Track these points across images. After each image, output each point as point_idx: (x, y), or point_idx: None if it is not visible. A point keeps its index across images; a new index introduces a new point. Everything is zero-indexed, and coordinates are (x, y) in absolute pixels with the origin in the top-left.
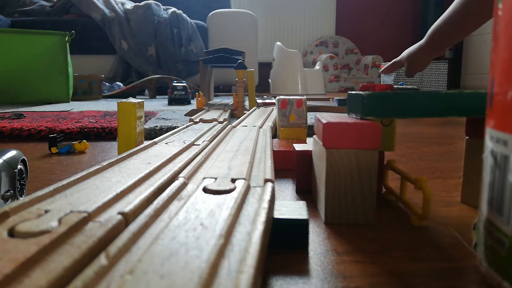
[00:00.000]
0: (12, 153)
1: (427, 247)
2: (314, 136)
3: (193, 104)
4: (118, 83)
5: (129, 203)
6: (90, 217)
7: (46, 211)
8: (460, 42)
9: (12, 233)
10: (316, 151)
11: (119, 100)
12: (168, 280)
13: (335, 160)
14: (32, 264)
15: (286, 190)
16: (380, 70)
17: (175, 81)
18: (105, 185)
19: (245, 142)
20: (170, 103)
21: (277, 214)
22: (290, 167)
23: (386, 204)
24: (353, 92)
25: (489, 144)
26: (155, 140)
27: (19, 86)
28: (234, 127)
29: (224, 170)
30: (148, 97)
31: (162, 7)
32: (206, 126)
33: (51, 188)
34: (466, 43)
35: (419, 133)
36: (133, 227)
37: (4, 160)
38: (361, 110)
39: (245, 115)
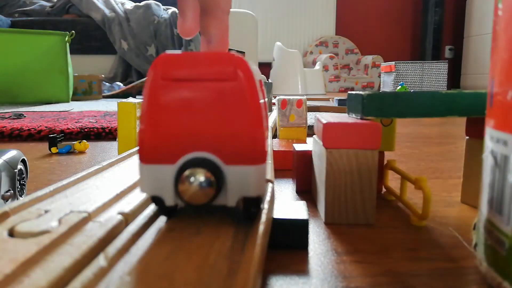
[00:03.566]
0: (12, 153)
1: (427, 247)
2: (314, 136)
3: None
4: (118, 83)
5: (129, 203)
6: (90, 217)
7: (46, 211)
8: (460, 42)
9: (12, 233)
10: (316, 151)
11: (119, 100)
12: (167, 281)
13: (335, 160)
14: (32, 264)
15: (286, 190)
16: None
17: None
18: (105, 185)
19: None
20: None
21: (277, 214)
22: (290, 167)
23: (386, 204)
24: (353, 92)
25: (489, 144)
26: None
27: (19, 86)
28: None
29: None
30: None
31: (162, 7)
32: None
33: (51, 188)
34: (466, 43)
35: (419, 133)
36: (132, 227)
37: (4, 160)
38: (361, 110)
39: None
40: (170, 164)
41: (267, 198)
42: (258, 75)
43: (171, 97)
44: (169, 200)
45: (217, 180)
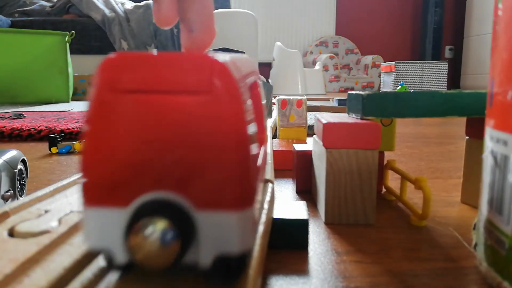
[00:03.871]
0: (12, 153)
1: (427, 247)
2: (314, 136)
3: None
4: None
5: None
6: None
7: (46, 211)
8: (460, 42)
9: (12, 233)
10: (316, 151)
11: None
12: (167, 279)
13: (335, 160)
14: (32, 264)
15: (286, 190)
16: None
17: None
18: None
19: None
20: None
21: (277, 214)
22: (290, 167)
23: (386, 204)
24: (353, 92)
25: (489, 144)
26: None
27: (19, 86)
28: None
29: None
30: None
31: None
32: None
33: (51, 188)
34: (466, 43)
35: (419, 133)
36: None
37: (4, 160)
38: (361, 110)
39: None
40: (120, 208)
41: (267, 198)
42: (255, 76)
43: (122, 115)
44: (121, 255)
45: (185, 233)
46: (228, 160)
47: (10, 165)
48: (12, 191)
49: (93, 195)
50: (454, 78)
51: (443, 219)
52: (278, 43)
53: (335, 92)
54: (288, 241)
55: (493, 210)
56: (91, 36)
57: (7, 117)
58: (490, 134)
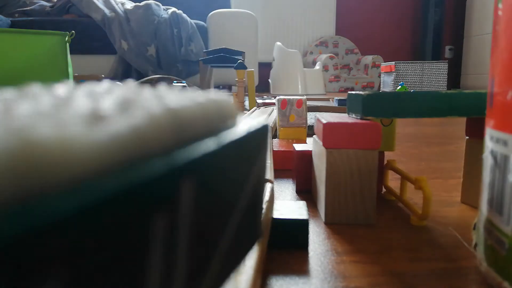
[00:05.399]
0: None
1: (427, 247)
2: (314, 136)
3: None
4: (118, 83)
5: None
6: None
7: None
8: (460, 42)
9: None
10: (316, 151)
11: None
12: None
13: (335, 160)
14: None
15: (286, 190)
16: None
17: (175, 81)
18: None
19: None
20: None
21: (277, 214)
22: (290, 167)
23: (386, 204)
24: (353, 92)
25: (489, 144)
26: None
27: (19, 85)
28: None
29: None
30: None
31: (162, 7)
32: None
33: None
34: (466, 43)
35: (419, 133)
36: None
37: None
38: (361, 110)
39: (245, 115)
40: None
41: (267, 198)
42: None
43: None
44: None
45: None
46: None
47: None
48: None
49: None
50: (454, 78)
51: (443, 219)
52: (278, 43)
53: (335, 92)
54: (288, 241)
55: (493, 210)
56: (91, 36)
57: None
58: (490, 134)
